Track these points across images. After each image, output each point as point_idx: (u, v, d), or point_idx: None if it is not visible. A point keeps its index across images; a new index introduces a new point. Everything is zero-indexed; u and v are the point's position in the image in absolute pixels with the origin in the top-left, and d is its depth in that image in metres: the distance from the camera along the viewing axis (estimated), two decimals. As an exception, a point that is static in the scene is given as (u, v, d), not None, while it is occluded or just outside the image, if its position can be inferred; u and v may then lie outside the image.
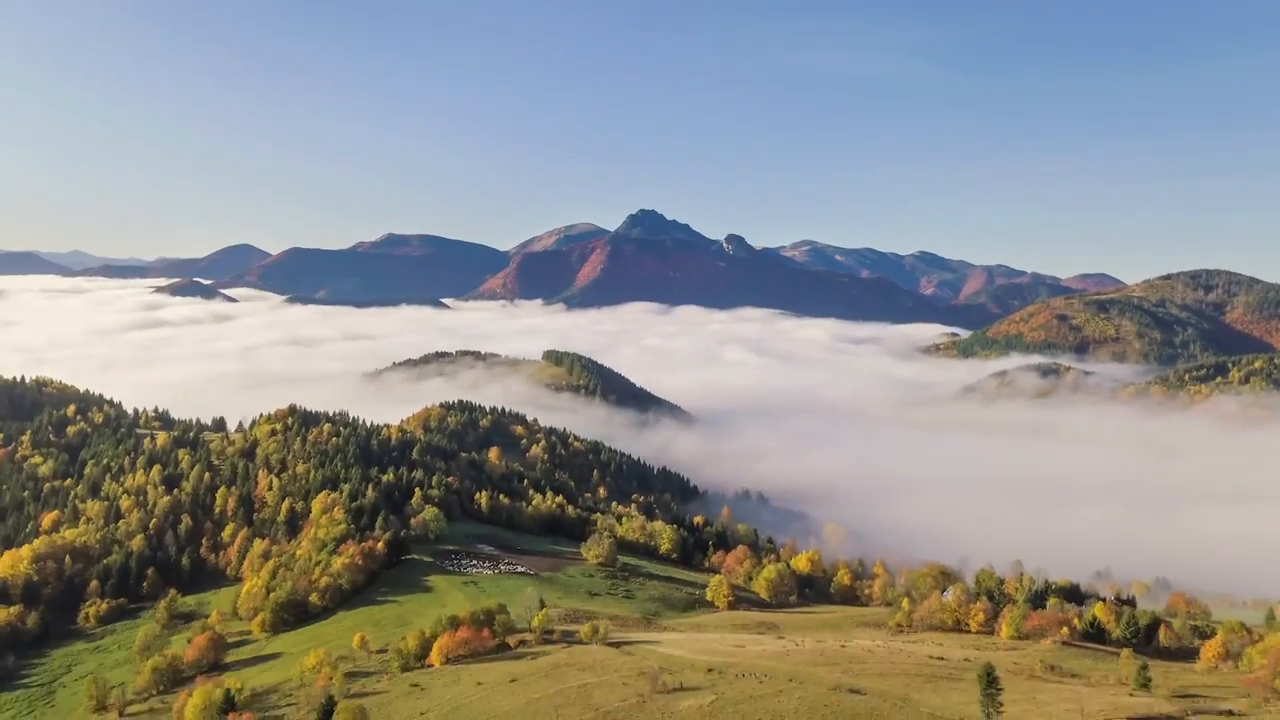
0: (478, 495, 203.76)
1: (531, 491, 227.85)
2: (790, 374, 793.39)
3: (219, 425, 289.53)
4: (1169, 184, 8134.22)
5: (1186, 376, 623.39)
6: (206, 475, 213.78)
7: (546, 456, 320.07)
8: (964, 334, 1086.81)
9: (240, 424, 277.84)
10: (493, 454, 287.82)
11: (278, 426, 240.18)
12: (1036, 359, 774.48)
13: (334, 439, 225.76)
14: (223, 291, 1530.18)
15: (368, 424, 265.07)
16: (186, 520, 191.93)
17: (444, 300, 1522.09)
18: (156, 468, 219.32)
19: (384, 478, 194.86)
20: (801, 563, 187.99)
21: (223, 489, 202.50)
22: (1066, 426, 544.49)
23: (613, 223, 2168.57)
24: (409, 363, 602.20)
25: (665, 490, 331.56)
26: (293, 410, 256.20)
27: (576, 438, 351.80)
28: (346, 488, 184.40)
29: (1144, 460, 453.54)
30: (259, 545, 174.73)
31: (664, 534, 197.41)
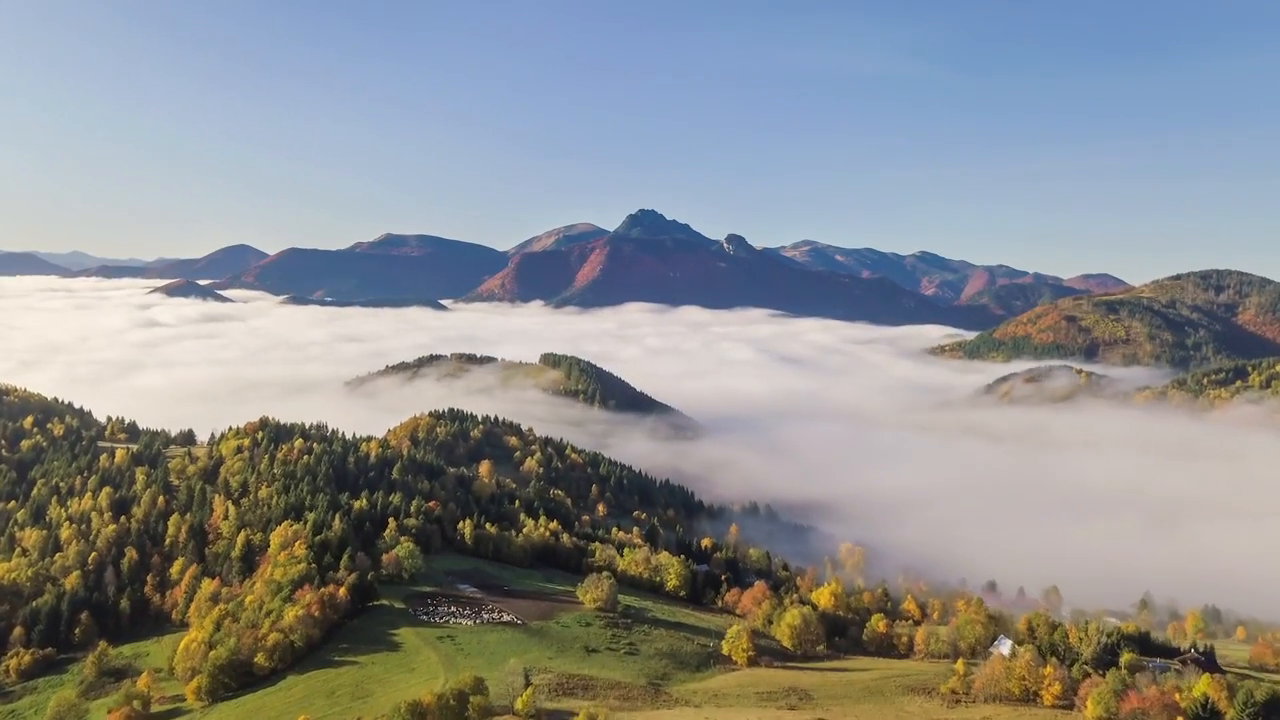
0: (461, 524, 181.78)
1: (523, 516, 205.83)
2: (797, 377, 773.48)
3: (187, 438, 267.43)
4: (1171, 184, 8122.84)
5: (1205, 380, 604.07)
6: (161, 499, 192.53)
7: (542, 470, 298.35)
8: (967, 335, 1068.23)
9: (212, 435, 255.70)
10: (483, 469, 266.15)
11: (245, 443, 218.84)
12: (1046, 362, 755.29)
13: (305, 457, 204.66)
14: (220, 292, 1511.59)
15: (346, 437, 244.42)
16: (131, 553, 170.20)
17: (442, 301, 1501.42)
18: (106, 490, 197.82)
19: (355, 505, 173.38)
20: (824, 598, 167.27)
21: (175, 517, 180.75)
22: (1084, 432, 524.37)
23: (612, 223, 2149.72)
24: (402, 366, 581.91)
25: (669, 506, 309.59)
26: (264, 424, 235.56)
27: (574, 449, 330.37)
28: (311, 517, 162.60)
29: (1170, 469, 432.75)
30: (208, 586, 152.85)
31: (671, 568, 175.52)
